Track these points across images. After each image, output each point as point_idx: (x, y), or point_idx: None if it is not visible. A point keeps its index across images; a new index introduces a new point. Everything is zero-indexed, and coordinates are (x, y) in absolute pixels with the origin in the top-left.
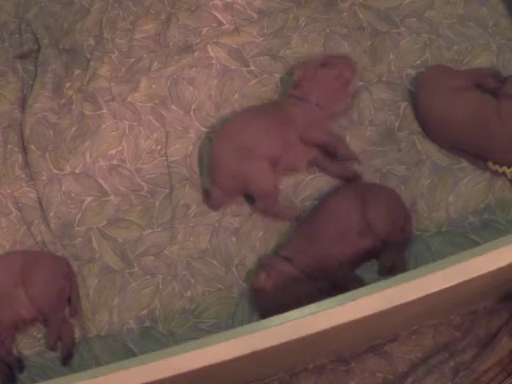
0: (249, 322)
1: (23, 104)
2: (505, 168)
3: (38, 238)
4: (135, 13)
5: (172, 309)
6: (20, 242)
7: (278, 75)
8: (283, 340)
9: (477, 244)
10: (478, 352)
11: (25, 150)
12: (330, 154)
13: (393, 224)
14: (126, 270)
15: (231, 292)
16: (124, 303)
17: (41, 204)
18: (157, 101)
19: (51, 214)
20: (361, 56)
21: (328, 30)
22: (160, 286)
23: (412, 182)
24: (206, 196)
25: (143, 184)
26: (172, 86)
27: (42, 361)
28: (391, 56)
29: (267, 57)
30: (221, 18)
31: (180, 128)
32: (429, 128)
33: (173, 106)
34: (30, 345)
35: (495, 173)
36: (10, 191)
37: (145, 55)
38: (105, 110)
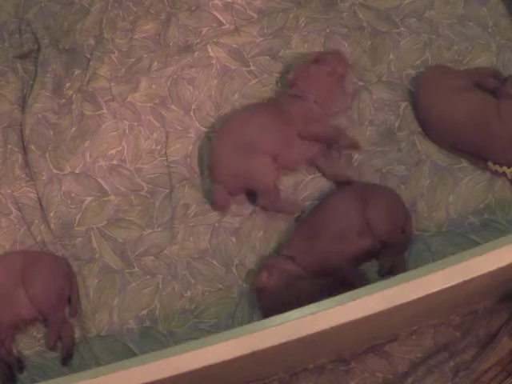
0: (249, 322)
1: (23, 104)
2: (505, 168)
3: (38, 238)
4: (135, 13)
5: (172, 309)
6: (20, 241)
7: (277, 75)
8: (283, 340)
9: (477, 244)
10: (478, 352)
11: (25, 150)
12: (331, 146)
13: (393, 224)
14: (126, 270)
15: (231, 292)
16: (124, 303)
17: (41, 204)
18: (157, 101)
19: (51, 214)
20: (361, 56)
21: (328, 30)
22: (160, 286)
23: (412, 182)
24: (212, 201)
25: (143, 184)
26: (172, 86)
27: (42, 361)
28: (391, 56)
29: (267, 57)
30: (221, 18)
31: (180, 128)
32: (429, 128)
33: (173, 106)
34: (30, 345)
35: (495, 173)
36: (10, 191)
37: (145, 55)
38: (105, 110)
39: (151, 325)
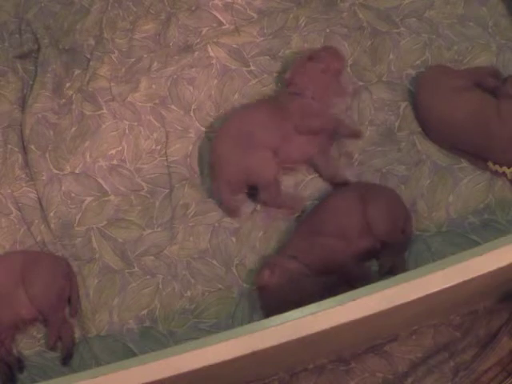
0: (249, 322)
1: (23, 104)
2: (505, 168)
3: (38, 238)
4: (135, 13)
5: (172, 309)
6: (20, 241)
7: (277, 75)
8: (283, 340)
9: (477, 244)
10: (478, 352)
11: (25, 150)
12: (332, 144)
13: (393, 224)
14: (126, 270)
15: (231, 292)
16: (124, 303)
17: (41, 204)
18: (157, 101)
19: (51, 214)
20: (361, 56)
21: (328, 30)
22: (160, 286)
23: (412, 181)
24: (225, 208)
25: (143, 184)
26: (172, 86)
27: (42, 361)
28: (391, 56)
29: (267, 57)
30: (221, 18)
31: (180, 128)
32: (429, 128)
33: (173, 106)
34: (30, 345)
35: (495, 173)
36: (10, 191)
37: (145, 55)
38: (105, 110)
39: (151, 325)
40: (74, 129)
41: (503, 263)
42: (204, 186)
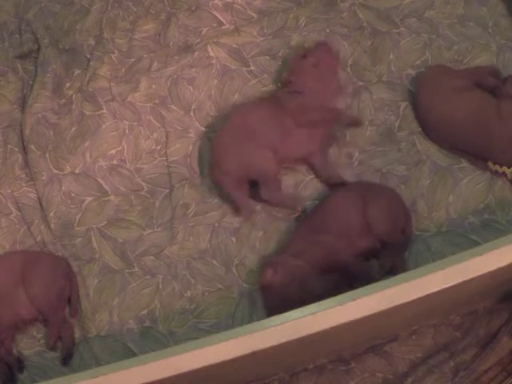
0: (249, 322)
1: (23, 104)
2: (505, 168)
3: (38, 238)
4: (135, 13)
5: (172, 309)
6: (20, 241)
7: (277, 75)
8: (283, 340)
9: (477, 244)
10: (478, 352)
11: (25, 150)
12: (333, 134)
13: (393, 224)
14: (126, 270)
15: (231, 292)
16: (124, 303)
17: (41, 204)
18: (157, 101)
19: (51, 214)
20: (361, 56)
21: (328, 30)
22: (160, 286)
23: (412, 181)
24: (242, 210)
25: (143, 184)
26: (172, 86)
27: (42, 361)
28: (391, 56)
29: (267, 57)
30: (221, 18)
31: (180, 128)
32: (429, 128)
33: (173, 106)
34: (30, 345)
35: (495, 173)
36: (10, 191)
37: (145, 55)
38: (105, 110)
39: (151, 325)
40: (73, 129)
41: (503, 263)
42: (204, 186)
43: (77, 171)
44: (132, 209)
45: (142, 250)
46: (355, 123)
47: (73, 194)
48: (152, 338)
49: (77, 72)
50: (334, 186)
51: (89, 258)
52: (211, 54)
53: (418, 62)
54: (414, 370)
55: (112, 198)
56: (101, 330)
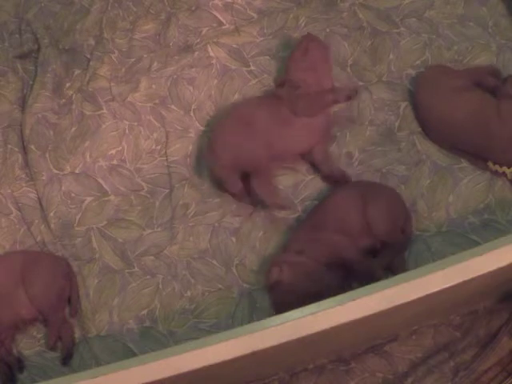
0: (249, 322)
1: (23, 104)
2: (505, 168)
3: (38, 238)
4: (135, 13)
5: (172, 309)
6: (20, 241)
7: (277, 75)
8: (283, 340)
9: (477, 244)
10: (478, 352)
11: (25, 150)
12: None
13: (393, 224)
14: (126, 270)
15: (231, 292)
16: (124, 303)
17: (41, 204)
18: (157, 101)
19: (51, 214)
20: (361, 56)
21: (328, 30)
22: (160, 286)
23: (412, 181)
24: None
25: (143, 184)
26: (172, 86)
27: (42, 361)
28: (391, 56)
29: (267, 57)
30: (221, 18)
31: (180, 128)
32: (429, 128)
33: (173, 106)
34: (30, 345)
35: (495, 173)
36: (10, 191)
37: (145, 55)
38: (105, 110)
39: (151, 325)
40: (74, 129)
41: (503, 263)
42: (204, 186)
43: (77, 171)
44: (132, 209)
45: (142, 250)
46: (352, 95)
47: (73, 194)
48: (152, 337)
49: (77, 72)
50: (336, 183)
51: (89, 258)
52: (211, 54)
53: (417, 62)
54: (414, 370)
55: (112, 197)
56: (101, 329)
